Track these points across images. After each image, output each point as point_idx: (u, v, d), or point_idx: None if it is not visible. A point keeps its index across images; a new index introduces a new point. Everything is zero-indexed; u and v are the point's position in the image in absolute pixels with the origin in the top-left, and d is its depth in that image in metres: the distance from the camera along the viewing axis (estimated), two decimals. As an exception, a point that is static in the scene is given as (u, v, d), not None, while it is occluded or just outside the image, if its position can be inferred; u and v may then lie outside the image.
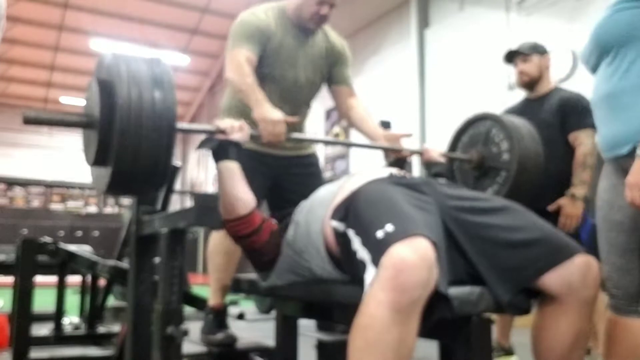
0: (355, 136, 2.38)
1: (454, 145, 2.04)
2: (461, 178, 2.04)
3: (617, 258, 1.30)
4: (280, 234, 1.42)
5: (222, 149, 1.44)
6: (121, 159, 1.16)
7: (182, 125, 1.39)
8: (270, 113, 1.73)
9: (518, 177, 1.80)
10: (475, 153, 1.92)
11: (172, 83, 1.22)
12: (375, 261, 1.01)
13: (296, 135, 1.86)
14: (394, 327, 0.94)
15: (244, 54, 1.93)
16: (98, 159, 1.23)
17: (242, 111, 1.94)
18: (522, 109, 2.51)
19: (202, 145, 1.49)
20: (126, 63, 1.20)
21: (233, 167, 1.43)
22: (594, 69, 1.40)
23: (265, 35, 2.00)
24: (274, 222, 1.47)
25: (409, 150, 1.93)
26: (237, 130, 1.45)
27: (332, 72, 2.21)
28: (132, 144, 1.15)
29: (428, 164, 1.88)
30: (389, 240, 1.00)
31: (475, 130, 1.99)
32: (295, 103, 2.12)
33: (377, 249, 1.02)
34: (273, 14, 2.06)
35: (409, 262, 0.95)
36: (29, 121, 1.22)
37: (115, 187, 1.24)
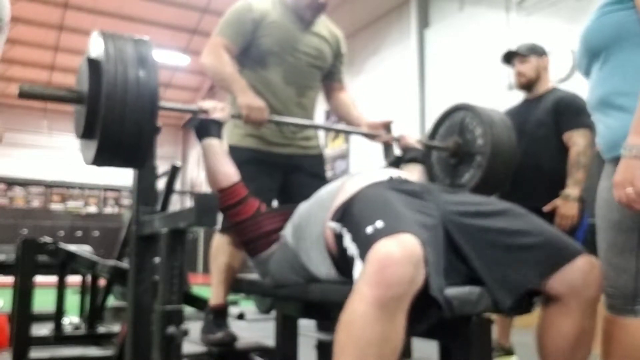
0: (354, 138, 2.41)
1: (432, 138, 2.13)
2: (440, 167, 2.12)
3: (614, 257, 1.31)
4: (273, 219, 1.46)
5: (204, 127, 1.55)
6: (107, 131, 1.25)
7: (164, 103, 1.47)
8: (253, 100, 1.81)
9: (492, 159, 1.88)
10: (451, 141, 2.01)
11: (155, 62, 1.31)
12: (363, 256, 1.01)
13: (277, 118, 1.89)
14: (376, 323, 0.93)
15: (223, 43, 1.97)
16: (86, 132, 1.32)
17: None
18: (519, 110, 2.53)
19: (186, 124, 1.62)
20: (114, 42, 1.28)
21: (215, 144, 1.55)
22: (587, 73, 1.42)
23: (254, 20, 2.01)
24: (263, 205, 1.55)
25: (387, 136, 2.00)
26: (218, 110, 1.58)
27: (332, 64, 2.23)
28: (117, 118, 1.24)
29: (405, 150, 1.96)
30: (377, 236, 1.00)
31: (451, 121, 2.08)
32: (299, 85, 2.12)
33: (365, 244, 1.02)
34: (272, 1, 2.09)
35: (393, 258, 0.94)
36: (23, 94, 1.31)
37: (101, 158, 1.33)
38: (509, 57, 2.55)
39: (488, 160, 1.89)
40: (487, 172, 1.89)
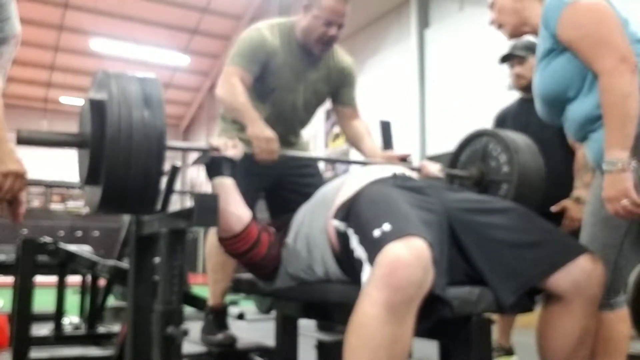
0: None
1: (452, 166, 2.02)
2: None
3: (596, 250, 1.33)
4: (280, 241, 1.42)
5: (215, 165, 1.44)
6: (111, 178, 1.17)
7: (174, 143, 1.40)
8: (263, 131, 1.76)
9: (520, 187, 1.76)
10: (474, 169, 1.90)
11: (161, 102, 1.22)
12: (371, 260, 1.02)
13: (290, 152, 1.89)
14: (387, 325, 0.94)
15: (238, 73, 1.93)
16: (90, 178, 1.23)
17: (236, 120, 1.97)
18: (518, 110, 2.50)
19: (196, 161, 1.51)
20: (117, 82, 1.20)
21: (227, 183, 1.42)
22: (560, 117, 1.44)
23: (266, 54, 1.98)
24: (271, 231, 1.46)
25: (406, 167, 1.94)
26: (230, 147, 1.46)
27: (337, 93, 2.20)
28: (121, 163, 1.15)
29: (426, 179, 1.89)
30: (385, 239, 1.01)
31: (472, 148, 1.98)
32: (290, 124, 2.13)
33: (373, 248, 1.02)
34: (280, 33, 2.03)
35: (403, 261, 0.95)
36: (22, 141, 1.24)
37: (106, 206, 1.23)
38: (507, 58, 2.54)
39: (515, 188, 1.76)
40: (516, 200, 1.72)
